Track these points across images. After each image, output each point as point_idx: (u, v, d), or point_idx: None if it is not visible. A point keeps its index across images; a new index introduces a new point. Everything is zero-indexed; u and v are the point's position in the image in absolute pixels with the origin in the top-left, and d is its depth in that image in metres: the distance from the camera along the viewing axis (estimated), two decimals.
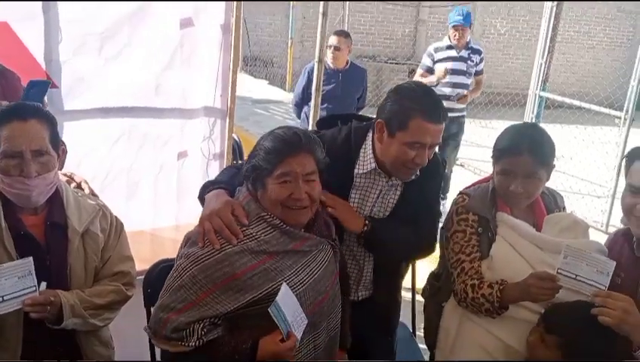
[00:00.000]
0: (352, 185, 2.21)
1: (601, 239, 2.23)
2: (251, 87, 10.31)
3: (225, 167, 3.50)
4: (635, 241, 2.03)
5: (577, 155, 7.48)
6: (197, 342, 1.73)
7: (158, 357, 2.07)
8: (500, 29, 13.58)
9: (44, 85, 2.57)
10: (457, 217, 2.17)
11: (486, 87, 6.40)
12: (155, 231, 3.57)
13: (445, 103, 2.18)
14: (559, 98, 6.09)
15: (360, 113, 5.49)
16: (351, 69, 5.65)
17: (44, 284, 1.85)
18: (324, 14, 4.25)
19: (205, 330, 1.75)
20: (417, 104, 2.02)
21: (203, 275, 1.74)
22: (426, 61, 5.75)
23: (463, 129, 5.92)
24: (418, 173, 2.18)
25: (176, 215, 3.61)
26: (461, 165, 7.37)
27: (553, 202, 2.24)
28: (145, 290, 2.21)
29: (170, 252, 2.04)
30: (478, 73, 5.78)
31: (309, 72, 5.50)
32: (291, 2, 11.73)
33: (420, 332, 2.56)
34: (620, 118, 5.58)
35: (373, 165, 2.16)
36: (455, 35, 5.57)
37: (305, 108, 5.63)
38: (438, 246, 2.36)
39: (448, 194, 5.43)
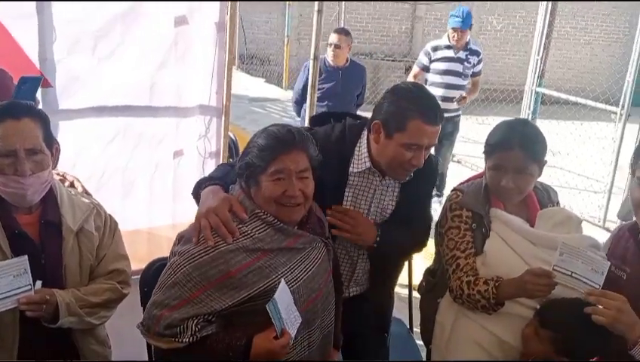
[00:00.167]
0: (347, 184, 2.21)
1: (599, 234, 2.23)
2: (248, 85, 10.30)
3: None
4: None
5: (574, 151, 7.50)
6: (191, 339, 1.73)
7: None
8: (496, 26, 13.59)
9: (35, 81, 2.56)
10: (451, 213, 2.17)
11: (483, 83, 6.41)
12: (152, 230, 3.57)
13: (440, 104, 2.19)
14: (555, 94, 6.09)
15: (358, 111, 5.53)
16: (351, 67, 5.67)
17: (39, 283, 1.85)
18: (319, 11, 4.25)
19: (199, 327, 1.74)
20: (415, 105, 2.02)
21: (197, 273, 1.73)
22: (423, 59, 5.74)
23: (458, 128, 5.93)
24: (412, 173, 2.18)
25: (173, 214, 3.60)
26: (458, 161, 7.38)
27: (547, 197, 2.24)
28: (141, 289, 2.21)
29: (167, 251, 2.03)
30: (475, 74, 5.77)
31: (308, 69, 5.51)
32: (287, 1, 11.71)
33: (418, 329, 2.56)
34: (616, 113, 5.59)
35: (368, 164, 2.16)
36: (454, 37, 5.56)
37: (305, 106, 5.63)
38: (433, 242, 2.36)
39: (444, 191, 5.44)
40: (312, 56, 4.40)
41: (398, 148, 2.04)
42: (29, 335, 1.93)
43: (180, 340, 1.73)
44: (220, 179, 2.02)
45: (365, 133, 2.19)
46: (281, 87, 11.24)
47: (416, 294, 2.62)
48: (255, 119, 8.07)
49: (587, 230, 2.27)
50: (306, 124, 5.01)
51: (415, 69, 5.88)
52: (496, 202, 2.15)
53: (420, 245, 2.39)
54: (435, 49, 5.68)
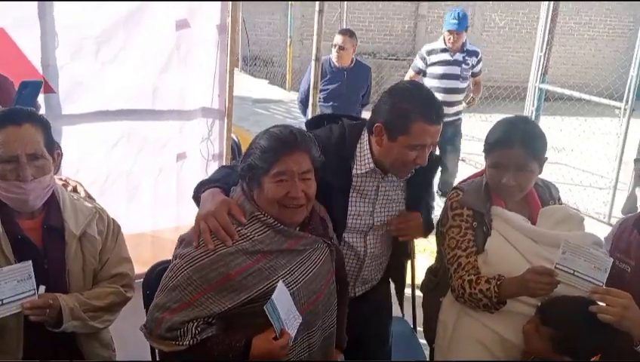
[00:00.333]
0: (352, 186, 2.22)
1: (604, 231, 2.22)
2: (251, 86, 10.30)
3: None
4: None
5: (578, 147, 7.48)
6: (191, 341, 1.74)
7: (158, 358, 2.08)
8: (499, 23, 13.55)
9: (36, 86, 2.58)
10: (452, 212, 2.17)
11: (486, 80, 6.39)
12: (156, 233, 3.58)
13: None
14: (559, 90, 6.08)
15: (363, 111, 5.53)
16: (356, 67, 5.68)
17: (42, 288, 1.86)
18: (320, 12, 4.25)
19: (199, 329, 1.76)
20: (417, 107, 2.02)
21: (198, 276, 1.75)
22: (418, 63, 5.68)
23: (460, 132, 5.84)
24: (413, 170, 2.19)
25: (177, 217, 3.61)
26: (462, 160, 7.36)
27: (548, 193, 2.24)
28: (144, 292, 2.22)
29: (171, 254, 2.04)
30: (475, 74, 5.71)
31: None
32: (290, 1, 11.72)
33: (421, 328, 2.57)
34: (620, 108, 5.57)
35: (372, 165, 2.17)
36: (450, 39, 5.49)
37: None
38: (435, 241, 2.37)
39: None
40: (313, 57, 4.41)
41: (403, 149, 2.06)
42: (33, 340, 1.94)
43: (181, 343, 1.75)
44: (219, 181, 2.02)
45: (365, 133, 2.19)
46: (285, 89, 11.24)
47: (419, 293, 2.62)
48: (258, 120, 8.07)
49: (592, 226, 2.27)
50: None
51: (410, 72, 5.84)
52: (497, 200, 2.14)
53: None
54: (430, 52, 5.61)
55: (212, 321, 1.80)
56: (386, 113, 2.08)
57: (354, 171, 2.19)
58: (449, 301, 2.20)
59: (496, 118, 2.22)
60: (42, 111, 2.91)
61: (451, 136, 5.64)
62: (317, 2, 4.30)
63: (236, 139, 4.37)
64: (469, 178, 2.31)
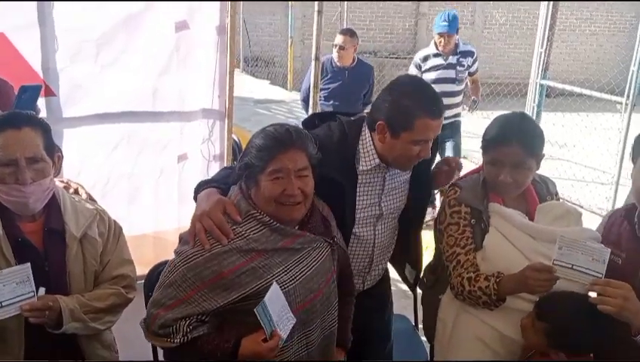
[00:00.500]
0: (358, 183, 2.21)
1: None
2: (253, 87, 10.32)
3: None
4: (637, 221, 2.02)
5: (580, 143, 7.46)
6: (182, 339, 1.76)
7: (160, 358, 2.09)
8: (500, 19, 13.53)
9: (36, 90, 2.59)
10: (450, 210, 2.17)
11: (488, 77, 6.37)
12: (158, 235, 3.60)
13: None
14: (560, 86, 6.06)
15: (365, 110, 5.51)
16: (357, 66, 5.67)
17: (42, 290, 1.87)
18: (320, 12, 4.27)
19: (191, 328, 1.78)
20: (418, 103, 2.03)
21: (192, 273, 1.76)
22: (413, 71, 5.58)
23: (459, 132, 5.70)
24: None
25: (179, 217, 3.63)
26: (464, 157, 7.34)
27: (545, 189, 2.24)
28: (146, 293, 2.23)
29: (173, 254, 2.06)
30: (472, 74, 5.60)
31: None
32: (290, 2, 11.73)
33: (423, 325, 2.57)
34: (621, 103, 5.55)
35: (377, 161, 2.17)
36: (441, 42, 5.35)
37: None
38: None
39: None
40: (313, 57, 4.42)
41: (406, 145, 2.06)
42: (34, 342, 1.95)
43: (172, 340, 1.77)
44: (218, 181, 2.03)
45: (366, 130, 2.19)
46: (286, 89, 11.25)
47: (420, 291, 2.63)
48: (260, 121, 8.08)
49: (595, 222, 2.27)
50: None
51: None
52: (494, 197, 2.14)
53: None
54: (425, 59, 5.48)
55: (205, 319, 1.81)
56: (387, 110, 2.08)
57: (359, 168, 2.19)
58: (448, 298, 2.20)
59: (497, 114, 2.22)
60: (43, 114, 2.92)
61: (450, 137, 5.53)
62: (315, 2, 4.31)
63: (237, 140, 4.39)
64: (466, 175, 2.31)
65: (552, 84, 5.92)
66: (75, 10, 3.09)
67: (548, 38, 5.68)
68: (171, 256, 1.92)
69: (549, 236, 2.01)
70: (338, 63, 5.57)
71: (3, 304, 1.78)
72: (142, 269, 2.34)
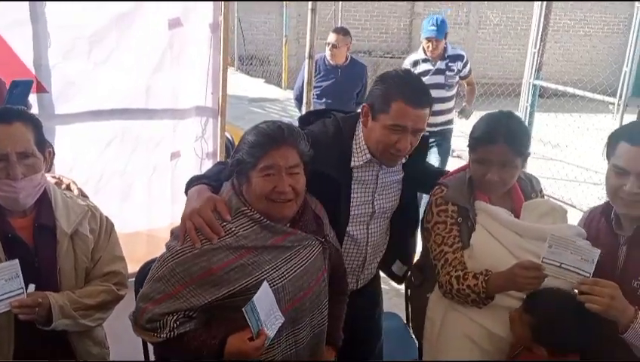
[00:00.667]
0: (353, 179, 2.22)
1: None
2: (247, 86, 10.32)
3: None
4: (614, 218, 2.05)
5: (573, 143, 7.50)
6: (168, 334, 1.77)
7: (151, 355, 2.09)
8: (494, 20, 13.57)
9: (27, 85, 2.58)
10: (437, 208, 2.17)
11: (482, 77, 6.37)
12: (151, 232, 3.58)
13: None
14: (553, 86, 6.09)
15: (358, 109, 5.50)
16: (350, 65, 5.69)
17: (32, 286, 1.87)
18: (313, 10, 4.27)
19: (178, 323, 1.78)
20: (399, 88, 2.03)
21: (181, 268, 1.77)
22: None
23: (449, 141, 5.51)
24: (405, 157, 2.20)
25: (171, 215, 3.61)
26: (458, 156, 7.37)
27: (530, 186, 2.25)
28: (136, 290, 2.21)
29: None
30: (464, 77, 5.46)
31: None
32: (285, 1, 11.72)
33: None
34: (614, 104, 5.59)
35: (369, 156, 2.17)
36: (429, 47, 5.21)
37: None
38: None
39: None
40: (306, 55, 4.43)
41: (383, 130, 2.06)
42: (24, 338, 1.95)
43: (159, 335, 1.77)
44: (209, 177, 2.03)
45: (360, 126, 2.20)
46: (281, 87, 11.25)
47: None
48: (254, 119, 8.01)
49: (569, 219, 2.28)
50: None
51: None
52: (480, 195, 2.15)
53: None
54: (415, 64, 5.32)
55: (193, 315, 1.81)
56: (372, 95, 2.10)
57: (352, 163, 2.19)
58: (436, 297, 2.21)
59: None
60: (34, 110, 2.91)
61: (438, 144, 5.33)
62: (309, 1, 4.31)
63: (231, 138, 4.38)
64: (451, 173, 2.31)
65: (545, 84, 5.94)
66: (68, 7, 3.07)
67: (541, 38, 5.71)
68: None
69: (535, 233, 2.03)
70: (331, 62, 5.59)
71: None
72: (134, 266, 2.34)
